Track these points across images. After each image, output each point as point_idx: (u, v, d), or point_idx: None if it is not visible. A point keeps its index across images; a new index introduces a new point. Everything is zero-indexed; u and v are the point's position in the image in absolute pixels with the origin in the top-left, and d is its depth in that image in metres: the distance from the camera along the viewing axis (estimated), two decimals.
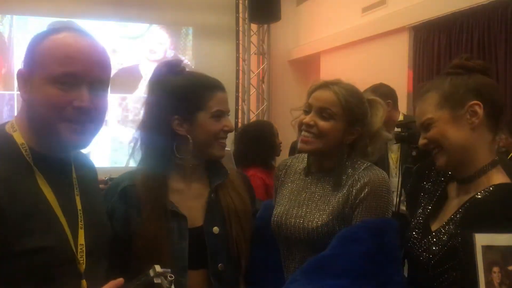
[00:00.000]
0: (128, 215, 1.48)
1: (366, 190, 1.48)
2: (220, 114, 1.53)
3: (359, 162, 1.58)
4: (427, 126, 1.39)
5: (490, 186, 1.33)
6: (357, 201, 1.49)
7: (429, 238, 1.39)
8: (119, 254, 1.44)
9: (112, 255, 1.44)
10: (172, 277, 1.13)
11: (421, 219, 1.48)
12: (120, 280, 1.12)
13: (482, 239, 1.07)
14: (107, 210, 1.47)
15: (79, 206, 1.10)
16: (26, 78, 1.06)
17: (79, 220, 1.09)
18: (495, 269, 1.06)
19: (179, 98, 1.50)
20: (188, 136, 1.50)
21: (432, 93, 1.40)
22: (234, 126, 1.59)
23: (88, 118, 1.08)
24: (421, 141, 1.42)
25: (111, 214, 1.48)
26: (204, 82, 1.54)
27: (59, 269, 1.03)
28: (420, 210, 1.51)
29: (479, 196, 1.32)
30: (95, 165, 1.40)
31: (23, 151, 1.04)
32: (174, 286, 1.14)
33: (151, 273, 1.11)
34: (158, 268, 1.11)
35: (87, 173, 1.22)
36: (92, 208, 1.16)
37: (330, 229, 1.49)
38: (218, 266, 1.50)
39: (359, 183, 1.51)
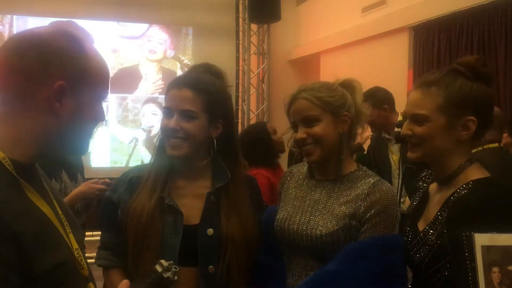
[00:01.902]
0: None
1: (376, 208, 1.47)
2: (166, 112, 1.56)
3: (367, 173, 1.57)
4: (419, 120, 1.38)
5: (470, 182, 1.34)
6: (366, 216, 1.47)
7: (418, 240, 1.40)
8: (123, 245, 1.53)
9: (117, 247, 1.56)
10: (176, 268, 1.14)
11: (409, 221, 1.50)
12: (126, 281, 1.12)
13: (481, 239, 1.07)
14: (115, 200, 1.58)
15: (59, 211, 1.07)
16: (66, 93, 0.99)
17: (65, 225, 1.06)
18: (495, 269, 1.05)
19: None
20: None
21: (438, 90, 1.37)
22: (180, 126, 1.53)
23: None
24: (406, 131, 1.41)
25: (118, 204, 1.57)
26: (172, 81, 1.61)
27: (73, 280, 1.02)
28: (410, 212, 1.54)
29: (461, 193, 1.34)
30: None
31: (6, 166, 0.97)
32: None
33: (159, 269, 1.13)
34: (164, 262, 1.13)
35: (44, 175, 1.17)
36: (66, 210, 1.12)
37: (335, 239, 1.47)
38: (209, 268, 1.51)
39: (368, 198, 1.49)
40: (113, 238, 1.58)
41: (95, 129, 1.12)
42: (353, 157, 1.63)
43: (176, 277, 1.14)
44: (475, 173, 1.37)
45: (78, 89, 1.01)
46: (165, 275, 1.12)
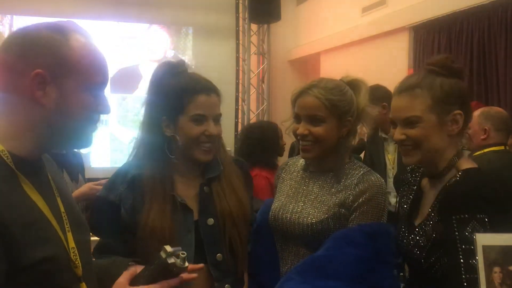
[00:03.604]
0: (135, 204, 1.51)
1: (364, 196, 1.52)
2: (200, 118, 1.53)
3: (358, 165, 1.62)
4: (411, 122, 1.42)
5: (458, 172, 1.40)
6: (355, 205, 1.52)
7: (415, 234, 1.44)
8: (126, 243, 1.50)
9: (120, 244, 1.51)
10: (184, 254, 1.12)
11: (404, 217, 1.54)
12: (134, 270, 1.14)
13: (483, 239, 1.07)
14: (115, 199, 1.53)
15: (62, 209, 1.08)
16: (48, 81, 1.01)
17: (65, 223, 1.06)
18: (496, 269, 1.06)
19: (166, 100, 1.54)
20: (175, 137, 1.55)
21: (423, 91, 1.41)
22: (217, 131, 1.56)
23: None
24: (399, 136, 1.44)
25: (119, 203, 1.53)
26: (188, 85, 1.54)
27: (62, 277, 1.01)
28: (402, 210, 1.57)
29: (451, 183, 1.39)
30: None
31: (4, 158, 0.98)
32: (188, 262, 1.14)
33: (163, 254, 1.11)
34: (168, 248, 1.11)
35: (56, 172, 1.18)
36: (71, 209, 1.13)
37: (324, 227, 1.52)
38: (217, 256, 1.53)
39: (357, 188, 1.54)
40: (116, 241, 1.53)
41: (95, 121, 1.09)
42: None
43: (186, 264, 1.12)
44: (464, 164, 1.43)
45: (60, 77, 1.01)
46: (169, 261, 1.10)
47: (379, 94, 3.28)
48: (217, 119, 1.57)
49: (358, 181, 1.54)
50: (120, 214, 1.52)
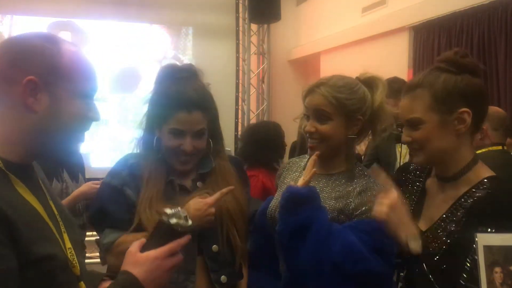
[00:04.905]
0: (138, 184, 1.56)
1: (366, 207, 1.48)
2: (177, 132, 1.55)
3: (363, 173, 1.58)
4: (413, 124, 1.38)
5: (484, 179, 1.33)
6: (356, 213, 1.49)
7: (423, 238, 1.37)
8: (131, 221, 1.53)
9: (125, 223, 1.55)
10: (184, 212, 1.15)
11: None
12: (142, 240, 1.17)
13: (484, 239, 1.07)
14: (117, 184, 1.58)
15: (55, 211, 1.10)
16: (40, 88, 1.02)
17: (60, 225, 1.09)
18: (497, 269, 1.06)
19: (156, 104, 1.61)
20: (160, 140, 1.60)
21: (424, 91, 1.37)
22: (194, 147, 1.58)
23: None
24: (406, 138, 1.41)
25: (121, 187, 1.57)
26: (173, 97, 1.56)
27: (62, 276, 1.03)
28: None
29: (476, 193, 1.32)
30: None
31: None
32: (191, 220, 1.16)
33: (164, 218, 1.13)
34: (168, 210, 1.14)
35: (44, 178, 1.20)
36: (62, 211, 1.16)
37: None
38: (212, 247, 1.55)
39: (359, 196, 1.50)
40: (122, 220, 1.55)
41: (86, 128, 1.11)
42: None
43: (190, 222, 1.14)
44: (484, 171, 1.37)
45: (52, 84, 1.03)
46: (172, 222, 1.12)
47: (396, 87, 3.27)
48: (198, 134, 1.57)
49: (361, 190, 1.51)
50: (123, 197, 1.56)
